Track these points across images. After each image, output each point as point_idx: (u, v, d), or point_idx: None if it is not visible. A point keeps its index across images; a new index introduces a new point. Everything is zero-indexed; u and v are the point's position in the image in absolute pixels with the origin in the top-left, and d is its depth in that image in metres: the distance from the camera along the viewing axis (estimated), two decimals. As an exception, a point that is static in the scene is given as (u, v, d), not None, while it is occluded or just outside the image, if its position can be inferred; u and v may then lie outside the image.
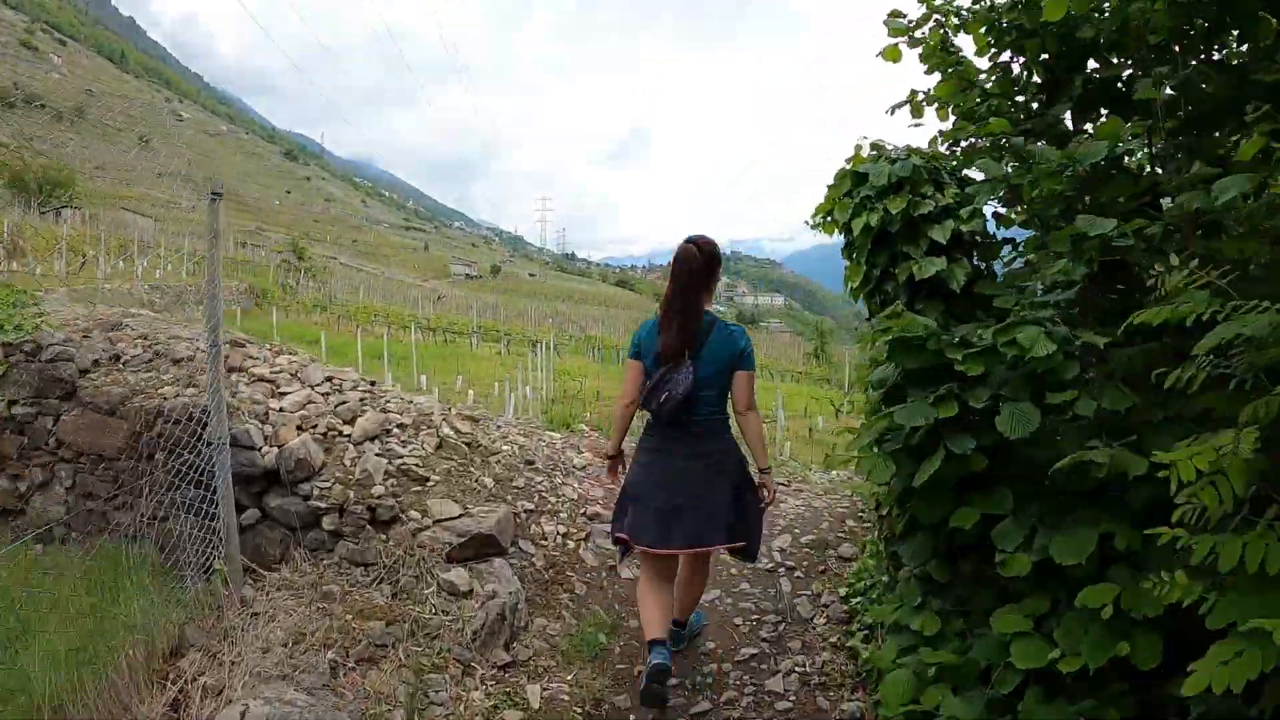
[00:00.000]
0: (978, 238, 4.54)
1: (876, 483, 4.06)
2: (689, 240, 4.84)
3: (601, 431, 9.60)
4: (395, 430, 6.33)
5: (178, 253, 48.98)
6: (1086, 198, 4.13)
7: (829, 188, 4.80)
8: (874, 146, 4.76)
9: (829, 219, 4.83)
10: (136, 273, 41.34)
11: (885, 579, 5.35)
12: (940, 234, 4.19)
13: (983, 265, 4.60)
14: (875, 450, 3.97)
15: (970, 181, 4.53)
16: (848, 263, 4.81)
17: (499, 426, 8.13)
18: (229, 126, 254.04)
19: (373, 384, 7.24)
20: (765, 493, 4.97)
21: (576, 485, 7.29)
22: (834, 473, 10.72)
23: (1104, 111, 4.69)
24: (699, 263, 4.76)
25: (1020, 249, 4.53)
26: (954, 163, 4.74)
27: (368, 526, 5.58)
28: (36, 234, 29.76)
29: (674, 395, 4.56)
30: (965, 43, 5.10)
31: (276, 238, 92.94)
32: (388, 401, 6.75)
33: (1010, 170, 4.29)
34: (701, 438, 4.74)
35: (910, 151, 4.63)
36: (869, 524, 7.16)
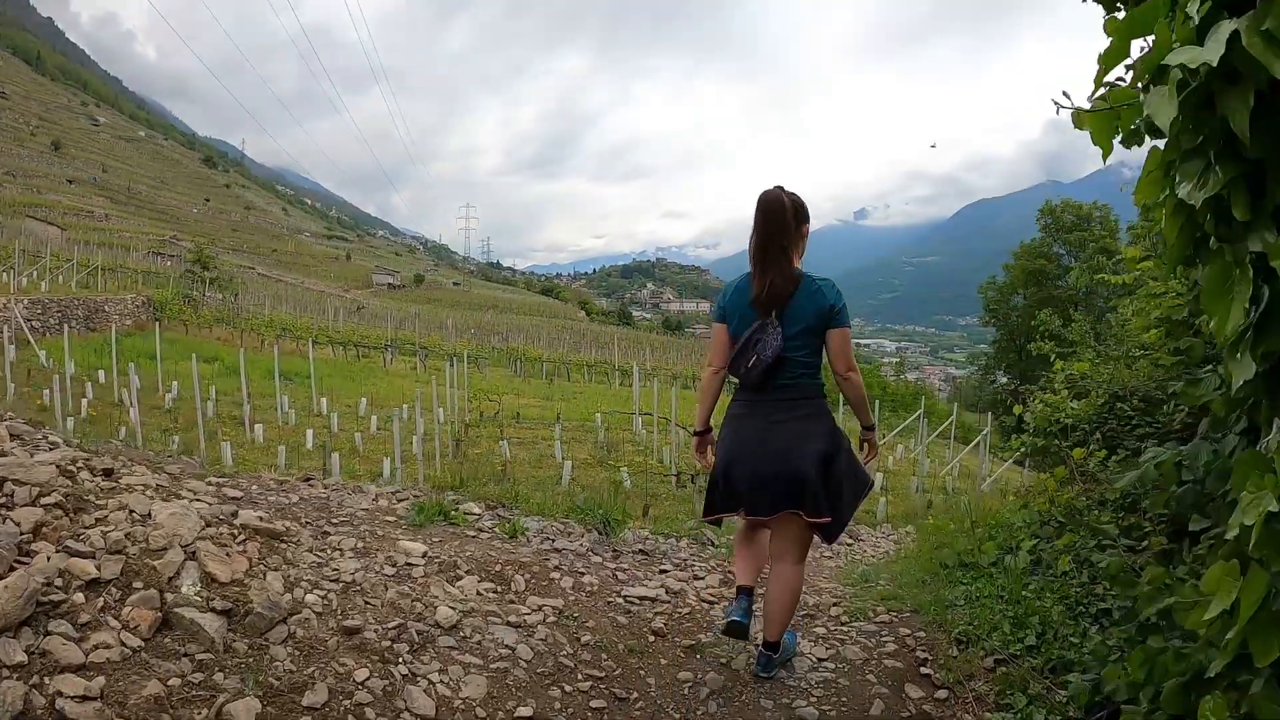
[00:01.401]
0: None
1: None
2: (776, 186, 4.48)
3: (506, 520, 6.52)
4: (76, 599, 3.19)
5: (67, 263, 45.93)
6: None
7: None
8: None
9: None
10: (15, 285, 38.72)
11: None
12: None
13: None
14: None
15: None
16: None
17: (320, 535, 5.06)
18: (146, 132, 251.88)
19: (108, 473, 4.25)
20: (867, 448, 4.85)
21: (438, 676, 3.86)
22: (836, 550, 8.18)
23: None
24: (786, 208, 4.40)
25: None
26: None
27: None
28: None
29: (763, 358, 4.32)
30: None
31: (191, 247, 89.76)
32: (97, 522, 3.66)
33: None
34: (790, 402, 4.46)
35: None
36: (945, 686, 4.63)
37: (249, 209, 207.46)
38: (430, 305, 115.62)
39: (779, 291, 4.32)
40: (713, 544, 7.33)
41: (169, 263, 67.97)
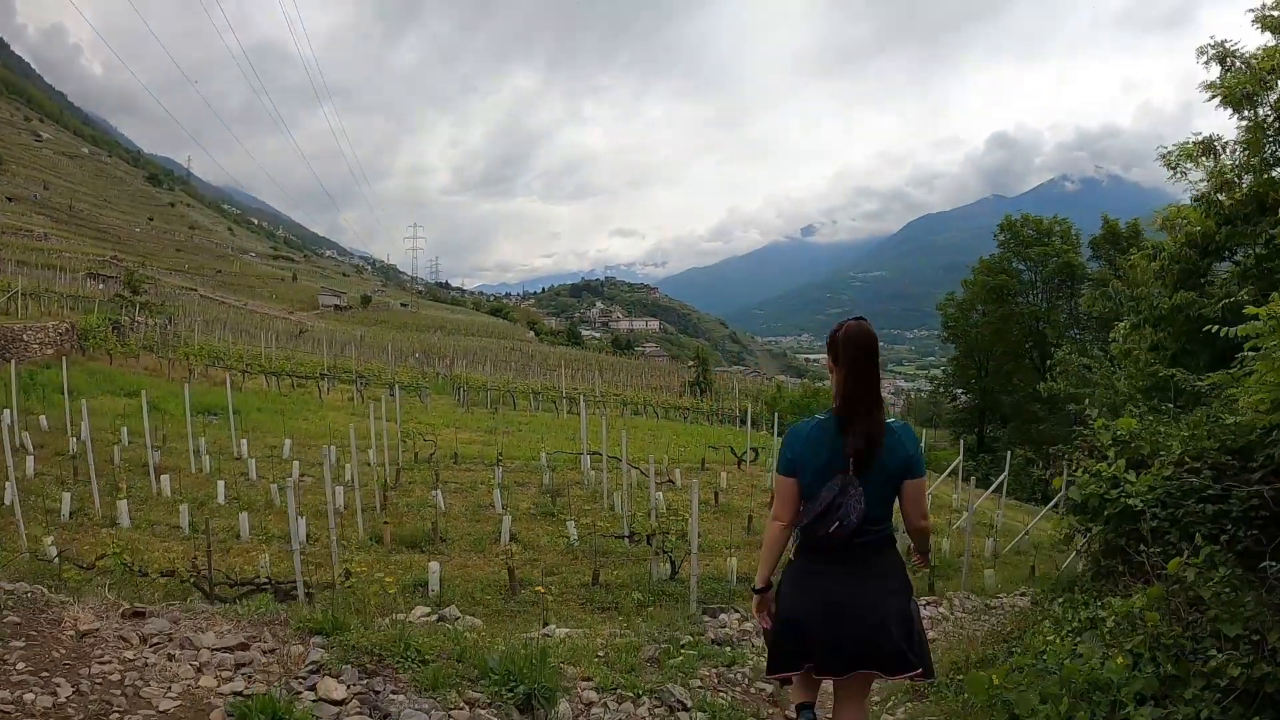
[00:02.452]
0: None
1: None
2: (857, 319, 4.09)
3: (378, 710, 4.59)
4: None
5: (-14, 289, 43.65)
6: None
7: None
8: None
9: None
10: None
11: None
12: None
13: None
14: None
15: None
16: None
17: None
18: (91, 148, 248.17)
19: None
20: (918, 559, 4.67)
21: None
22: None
23: None
24: (874, 343, 3.98)
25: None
26: None
27: None
28: None
29: (846, 524, 3.84)
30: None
31: (131, 268, 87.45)
32: None
33: None
34: (866, 559, 4.05)
35: None
36: None
37: (194, 228, 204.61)
38: (376, 328, 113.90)
39: (873, 446, 3.87)
40: (684, 706, 5.52)
41: (101, 285, 65.39)
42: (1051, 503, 22.36)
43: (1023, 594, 12.94)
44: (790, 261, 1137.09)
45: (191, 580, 10.31)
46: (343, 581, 10.13)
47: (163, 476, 18.39)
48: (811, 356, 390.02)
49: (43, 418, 24.24)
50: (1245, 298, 12.75)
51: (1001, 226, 60.14)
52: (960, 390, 67.96)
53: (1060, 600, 6.79)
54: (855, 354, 3.93)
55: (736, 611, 8.84)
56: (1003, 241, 59.81)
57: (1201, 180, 16.07)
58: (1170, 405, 8.21)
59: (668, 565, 13.97)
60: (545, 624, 9.49)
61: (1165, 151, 16.54)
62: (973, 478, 18.78)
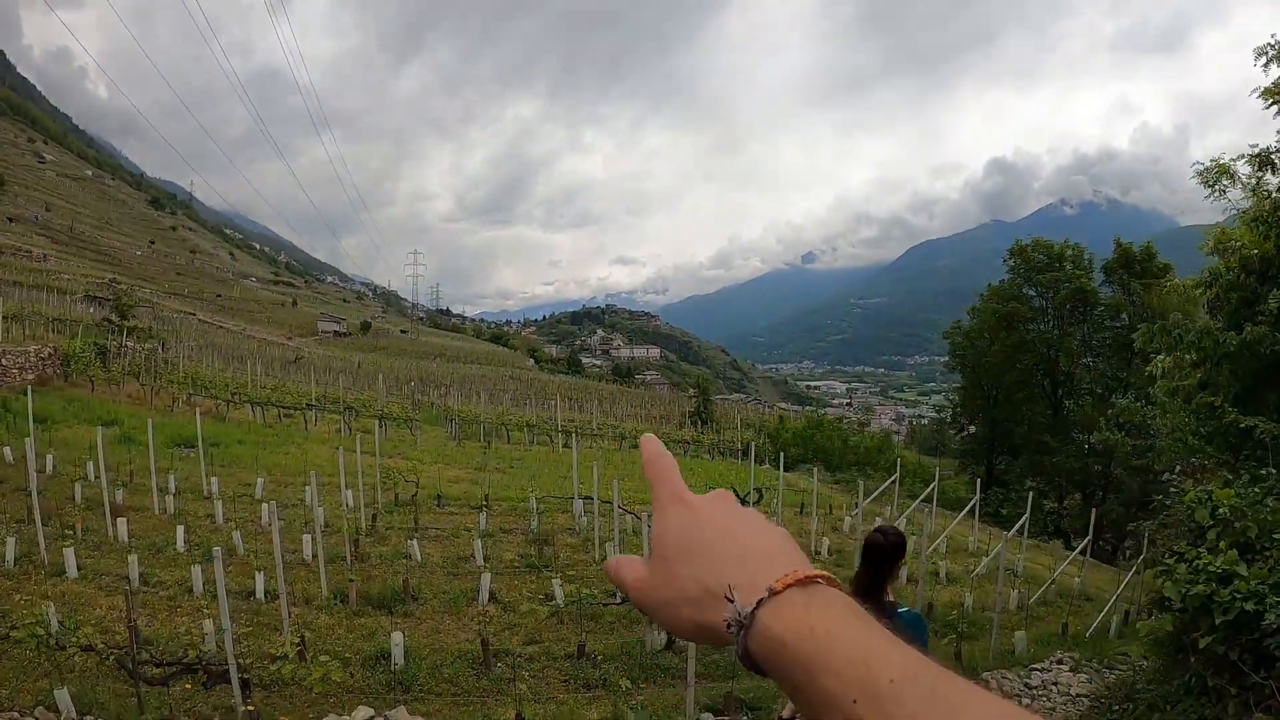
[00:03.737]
0: None
1: None
2: (877, 530, 5.38)
3: None
4: None
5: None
6: None
7: None
8: None
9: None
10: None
11: None
12: None
13: None
14: None
15: None
16: None
17: None
18: (93, 171, 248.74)
19: None
20: None
21: None
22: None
23: None
24: (886, 550, 5.21)
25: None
26: None
27: None
28: None
29: None
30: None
31: (128, 291, 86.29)
32: None
33: None
34: None
35: None
36: None
37: (195, 252, 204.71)
38: (375, 354, 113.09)
39: None
40: None
41: (93, 308, 64.08)
42: (1079, 548, 21.06)
43: (1059, 660, 11.76)
44: (791, 288, 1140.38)
45: (113, 658, 8.93)
46: (287, 666, 8.72)
47: (120, 519, 16.99)
48: (812, 384, 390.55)
49: (7, 449, 22.80)
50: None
51: (1011, 252, 58.08)
52: (965, 419, 66.12)
53: (1154, 727, 5.39)
54: (865, 558, 5.14)
55: (745, 717, 7.46)
56: (1013, 267, 57.73)
57: (1243, 198, 14.83)
58: (1271, 471, 6.76)
59: (663, 634, 12.59)
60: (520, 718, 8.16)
61: (1202, 168, 15.31)
62: (1008, 531, 17.44)
